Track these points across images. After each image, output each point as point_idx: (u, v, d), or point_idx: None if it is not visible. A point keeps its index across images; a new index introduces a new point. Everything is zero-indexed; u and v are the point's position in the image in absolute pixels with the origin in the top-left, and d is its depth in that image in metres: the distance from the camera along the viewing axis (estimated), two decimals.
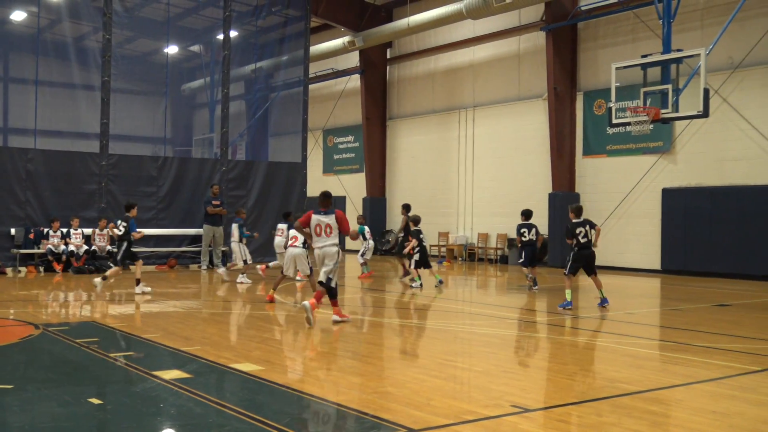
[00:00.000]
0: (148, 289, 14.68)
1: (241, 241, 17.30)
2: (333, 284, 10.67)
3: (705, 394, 6.89)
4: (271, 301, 13.26)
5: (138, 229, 14.92)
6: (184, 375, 7.30)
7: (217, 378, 7.51)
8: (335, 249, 10.66)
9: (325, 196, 10.90)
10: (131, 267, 15.55)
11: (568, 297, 13.09)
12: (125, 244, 14.70)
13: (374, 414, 5.96)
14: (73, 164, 20.19)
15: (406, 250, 17.15)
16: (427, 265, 17.03)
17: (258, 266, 18.46)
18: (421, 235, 16.90)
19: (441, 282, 16.96)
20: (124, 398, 6.55)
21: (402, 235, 18.23)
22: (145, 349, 8.82)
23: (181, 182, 21.84)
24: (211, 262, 20.89)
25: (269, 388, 6.87)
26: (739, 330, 10.90)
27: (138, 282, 14.58)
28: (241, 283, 16.86)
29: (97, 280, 14.57)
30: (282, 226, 17.19)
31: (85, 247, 19.37)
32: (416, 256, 16.68)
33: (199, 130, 26.58)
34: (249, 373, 7.42)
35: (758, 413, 6.20)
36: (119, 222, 14.83)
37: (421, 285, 16.37)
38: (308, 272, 12.69)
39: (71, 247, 19.17)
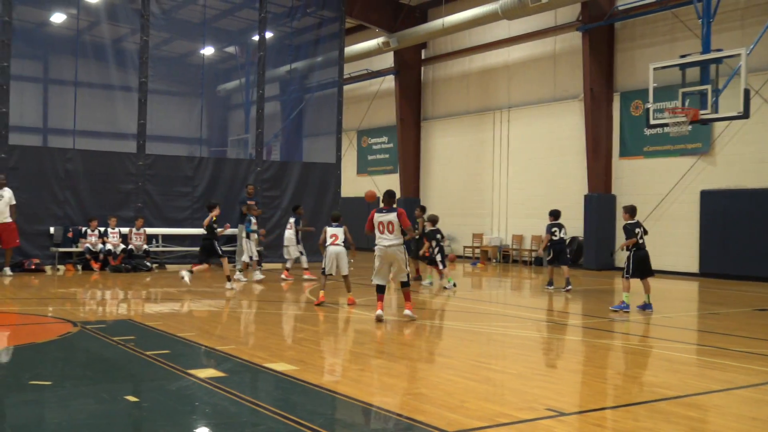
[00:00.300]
0: (235, 286, 15.82)
1: (248, 237, 17.57)
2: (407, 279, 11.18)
3: (744, 400, 6.76)
4: (322, 302, 12.90)
5: (220, 228, 16.03)
6: (219, 374, 7.34)
7: (251, 377, 7.55)
8: (400, 249, 11.04)
9: (390, 194, 11.29)
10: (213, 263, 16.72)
11: (627, 300, 12.90)
12: (211, 242, 15.65)
13: (408, 416, 5.94)
14: (111, 164, 20.46)
15: (421, 252, 17.11)
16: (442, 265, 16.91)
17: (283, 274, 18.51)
18: (438, 235, 16.82)
19: (454, 285, 16.64)
20: (160, 396, 6.60)
21: (418, 237, 17.56)
22: (181, 347, 8.89)
23: (217, 182, 22.02)
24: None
25: (303, 388, 6.89)
26: None
27: (229, 279, 15.62)
28: (258, 280, 17.20)
29: (185, 272, 15.39)
30: (292, 220, 17.53)
31: (122, 246, 19.61)
32: (438, 257, 16.63)
33: (234, 131, 26.76)
34: (283, 372, 7.44)
35: None
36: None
37: (431, 283, 16.38)
38: (346, 272, 12.80)
39: (108, 246, 19.42)
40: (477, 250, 26.86)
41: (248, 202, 20.53)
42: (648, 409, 6.40)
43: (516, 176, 26.16)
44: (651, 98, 16.70)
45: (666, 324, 11.87)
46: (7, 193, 17.71)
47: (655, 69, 16.60)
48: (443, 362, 8.63)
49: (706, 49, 15.96)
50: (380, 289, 11.22)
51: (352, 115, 32.00)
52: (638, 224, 13.20)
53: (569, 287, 16.13)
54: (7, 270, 17.59)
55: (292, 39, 24.98)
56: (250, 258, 17.69)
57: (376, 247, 11.20)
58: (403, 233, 11.15)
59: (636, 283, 13.27)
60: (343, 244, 12.89)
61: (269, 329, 10.82)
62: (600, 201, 22.69)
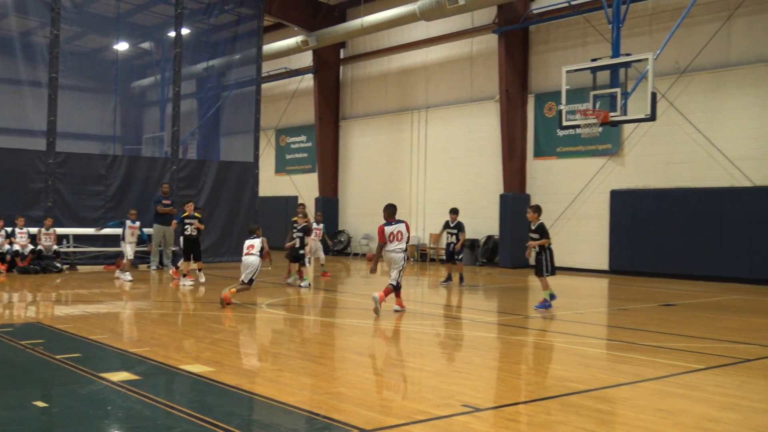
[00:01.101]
0: (190, 282, 16.34)
1: (123, 238, 17.59)
2: (395, 282, 12.24)
3: (651, 393, 7.02)
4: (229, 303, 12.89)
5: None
6: (133, 377, 7.19)
7: (166, 380, 7.42)
8: (402, 254, 12.27)
9: (394, 208, 12.59)
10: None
11: (548, 297, 13.15)
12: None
13: (326, 415, 5.94)
14: (19, 162, 19.75)
15: (287, 245, 17.00)
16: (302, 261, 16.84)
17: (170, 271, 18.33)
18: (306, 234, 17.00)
19: (309, 285, 16.35)
20: (71, 401, 6.42)
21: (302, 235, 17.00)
22: (93, 350, 8.67)
23: (131, 181, 21.52)
24: (161, 262, 20.63)
25: (220, 389, 6.81)
26: (684, 329, 11.14)
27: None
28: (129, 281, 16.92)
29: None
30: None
31: (31, 247, 18.96)
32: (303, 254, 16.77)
33: (149, 129, 26.23)
34: (199, 374, 7.35)
35: (702, 411, 6.34)
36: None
37: (309, 285, 16.35)
38: (246, 280, 13.06)
39: (16, 247, 18.75)
40: None
41: (163, 202, 20.17)
42: (560, 403, 6.57)
43: (434, 176, 26.44)
44: (564, 100, 17.13)
45: (578, 320, 12.21)
46: None
47: (567, 72, 17.02)
48: (361, 361, 8.66)
49: (616, 53, 16.47)
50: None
51: (271, 114, 31.78)
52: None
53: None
54: None
55: (210, 36, 24.64)
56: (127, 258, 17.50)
57: (385, 254, 12.38)
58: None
59: (537, 280, 13.68)
60: (258, 253, 13.16)
61: (185, 330, 10.65)
62: (515, 200, 23.14)
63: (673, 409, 6.35)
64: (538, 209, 13.81)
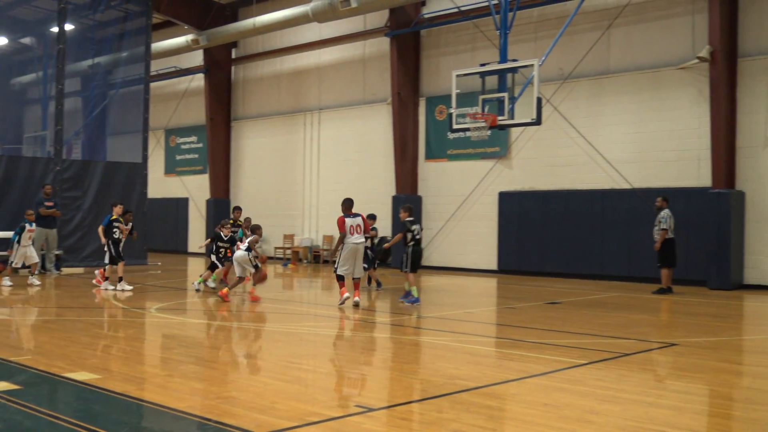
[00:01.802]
0: (129, 287, 15.77)
1: (18, 242, 16.67)
2: (338, 271, 13.44)
3: (537, 388, 7.27)
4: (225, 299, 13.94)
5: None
6: (13, 386, 6.90)
7: (49, 388, 7.16)
8: (363, 246, 13.50)
9: (352, 201, 13.52)
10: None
11: (416, 293, 13.62)
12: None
13: (217, 419, 5.88)
14: None
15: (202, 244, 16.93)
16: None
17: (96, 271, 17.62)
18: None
19: (198, 290, 15.88)
20: None
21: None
22: None
23: (11, 182, 20.55)
24: (43, 266, 19.83)
25: (106, 397, 6.63)
26: (568, 326, 11.58)
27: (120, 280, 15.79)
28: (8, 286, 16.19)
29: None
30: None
31: None
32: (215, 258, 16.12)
33: (30, 127, 25.14)
34: (84, 382, 7.12)
35: (585, 404, 6.62)
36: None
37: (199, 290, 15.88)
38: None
39: None
40: (288, 251, 26.91)
41: (45, 204, 19.40)
42: (450, 400, 6.73)
43: (327, 177, 26.47)
44: (454, 104, 17.45)
45: (467, 319, 12.50)
46: None
47: (457, 76, 17.35)
48: (254, 364, 8.60)
49: (503, 59, 16.91)
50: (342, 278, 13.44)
51: (160, 114, 31.03)
52: (416, 222, 14.34)
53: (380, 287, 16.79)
54: None
55: (95, 32, 23.87)
56: (10, 263, 16.65)
57: (346, 245, 13.25)
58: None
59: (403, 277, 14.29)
60: (245, 249, 14.13)
61: (69, 337, 10.29)
62: (407, 202, 23.35)
63: (558, 403, 6.60)
64: (406, 208, 14.53)
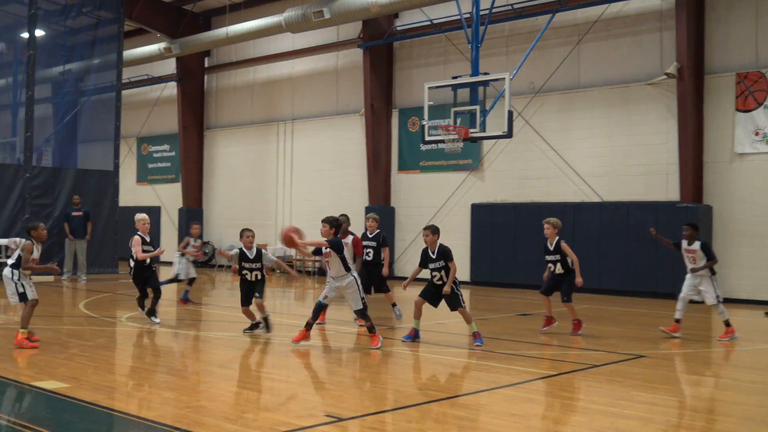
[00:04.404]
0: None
1: None
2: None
3: (506, 398, 7.35)
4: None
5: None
6: None
7: (17, 397, 7.10)
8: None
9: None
10: None
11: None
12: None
13: (187, 429, 5.88)
14: None
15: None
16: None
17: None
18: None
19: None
20: None
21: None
22: None
23: None
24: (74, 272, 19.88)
25: (76, 406, 6.59)
26: (539, 338, 11.69)
27: None
28: None
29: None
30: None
31: None
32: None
33: None
34: (53, 390, 7.08)
35: (553, 415, 6.71)
36: None
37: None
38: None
39: None
40: None
41: (73, 213, 19.39)
42: (421, 411, 6.78)
43: (300, 187, 26.46)
44: (426, 116, 17.58)
45: (440, 330, 12.57)
46: None
47: (429, 88, 17.48)
48: (224, 374, 8.59)
49: (475, 72, 17.08)
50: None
51: (132, 122, 30.83)
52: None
53: None
54: None
55: (66, 39, 23.74)
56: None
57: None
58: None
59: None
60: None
61: (39, 345, 10.21)
62: (380, 213, 23.40)
63: (526, 414, 6.68)
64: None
